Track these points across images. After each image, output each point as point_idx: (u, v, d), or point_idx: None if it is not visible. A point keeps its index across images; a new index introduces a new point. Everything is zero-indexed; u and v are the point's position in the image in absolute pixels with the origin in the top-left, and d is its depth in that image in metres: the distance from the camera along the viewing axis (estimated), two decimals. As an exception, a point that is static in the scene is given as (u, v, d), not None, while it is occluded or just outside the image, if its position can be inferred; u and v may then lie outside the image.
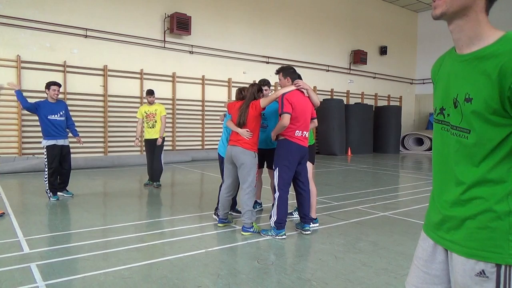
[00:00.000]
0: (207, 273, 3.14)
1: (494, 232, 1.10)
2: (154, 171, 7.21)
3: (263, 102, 4.21)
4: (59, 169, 6.02)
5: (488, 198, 1.12)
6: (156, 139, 7.16)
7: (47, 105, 5.92)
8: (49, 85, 6.00)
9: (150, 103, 7.26)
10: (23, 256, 3.47)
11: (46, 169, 5.88)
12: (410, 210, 5.62)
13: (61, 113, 5.99)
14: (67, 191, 6.24)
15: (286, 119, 4.03)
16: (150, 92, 7.27)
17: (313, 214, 4.62)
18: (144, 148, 7.46)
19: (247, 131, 4.19)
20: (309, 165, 4.59)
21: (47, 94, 5.98)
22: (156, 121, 7.17)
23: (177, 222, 4.78)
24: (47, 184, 5.87)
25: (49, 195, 5.89)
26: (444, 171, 1.24)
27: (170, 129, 12.24)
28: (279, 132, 4.14)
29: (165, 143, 11.99)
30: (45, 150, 5.88)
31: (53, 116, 5.89)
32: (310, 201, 4.46)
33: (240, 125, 4.23)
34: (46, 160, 5.87)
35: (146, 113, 7.19)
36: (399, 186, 8.40)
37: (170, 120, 12.21)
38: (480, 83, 1.10)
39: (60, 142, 5.95)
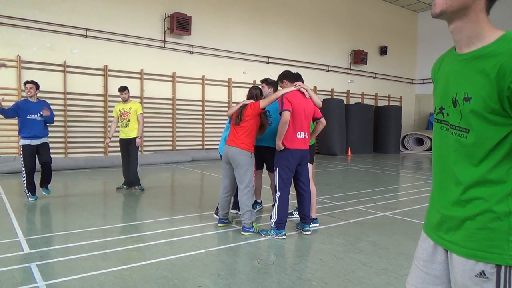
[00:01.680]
0: (207, 273, 3.14)
1: (494, 232, 1.10)
2: (131, 176, 6.77)
3: (262, 103, 4.22)
4: (43, 165, 5.95)
5: (488, 198, 1.11)
6: (130, 139, 6.64)
7: (27, 105, 5.75)
8: (24, 84, 5.88)
9: (124, 100, 6.71)
10: (23, 256, 3.47)
11: (23, 169, 5.81)
12: (410, 210, 5.62)
13: (40, 113, 5.78)
14: (47, 188, 6.08)
15: (286, 115, 4.01)
16: (122, 89, 6.70)
17: (313, 214, 4.62)
18: (119, 149, 6.96)
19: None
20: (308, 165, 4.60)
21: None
22: (129, 120, 6.61)
23: (177, 222, 4.78)
24: (25, 184, 5.81)
25: (28, 195, 5.83)
26: (444, 171, 1.24)
27: (170, 129, 12.25)
28: (283, 131, 4.06)
29: (164, 143, 12.10)
30: (21, 149, 5.79)
31: (32, 116, 5.73)
32: (311, 201, 4.47)
33: (237, 124, 4.26)
34: (22, 159, 5.78)
35: (120, 111, 6.69)
36: (399, 186, 8.40)
37: (170, 120, 12.22)
38: (478, 82, 1.10)
39: (36, 142, 5.80)
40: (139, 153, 6.89)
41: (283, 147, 4.11)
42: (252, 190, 4.26)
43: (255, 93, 4.45)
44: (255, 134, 4.31)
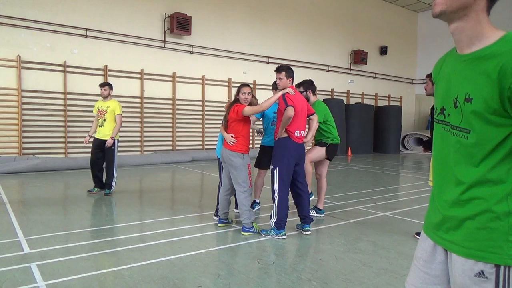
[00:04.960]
0: (207, 273, 3.15)
1: (493, 232, 1.10)
2: (106, 178, 6.43)
3: (248, 110, 4.15)
4: None
5: (488, 198, 1.11)
6: (104, 140, 6.28)
7: None
8: None
9: (103, 96, 6.36)
10: (23, 256, 3.47)
11: None
12: (410, 210, 5.62)
13: None
14: None
15: (290, 110, 4.02)
16: (103, 84, 6.39)
17: (321, 206, 4.99)
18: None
19: (232, 136, 4.22)
20: (326, 162, 5.01)
21: None
22: (105, 120, 6.27)
23: (177, 222, 4.79)
24: None
25: None
26: (444, 171, 1.24)
27: (170, 129, 12.25)
28: (286, 126, 4.11)
29: (164, 143, 12.09)
30: None
31: None
32: (320, 194, 4.92)
33: (225, 128, 4.32)
34: None
35: (98, 109, 6.36)
36: (400, 186, 8.40)
37: (170, 120, 12.22)
38: (480, 83, 1.10)
39: None
40: (116, 155, 6.45)
41: (285, 135, 4.15)
42: (249, 190, 4.26)
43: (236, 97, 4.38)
44: (246, 135, 4.29)
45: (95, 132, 6.52)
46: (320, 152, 4.95)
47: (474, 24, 1.13)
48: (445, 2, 1.13)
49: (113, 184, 6.42)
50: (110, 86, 6.43)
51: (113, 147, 6.32)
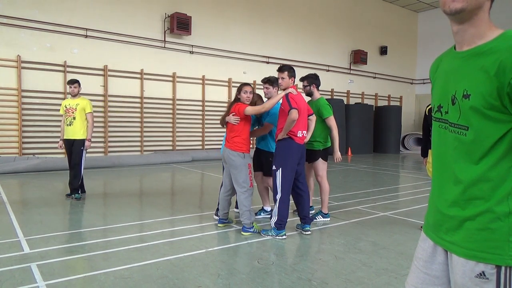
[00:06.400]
0: (207, 273, 3.14)
1: (494, 233, 1.10)
2: (74, 181, 5.92)
3: (250, 110, 4.14)
4: None
5: (488, 198, 1.11)
6: (74, 140, 5.91)
7: None
8: None
9: (72, 94, 5.98)
10: (23, 256, 3.47)
11: None
12: (410, 210, 5.62)
13: None
14: None
15: (295, 113, 4.01)
16: (72, 82, 5.99)
17: (325, 210, 4.89)
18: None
19: (233, 114, 4.19)
20: (323, 163, 4.85)
21: None
22: (74, 118, 5.87)
23: (177, 222, 4.78)
24: None
25: None
26: (443, 170, 1.24)
27: (170, 129, 12.25)
28: (289, 129, 4.08)
29: (164, 143, 12.09)
30: None
31: None
32: (323, 198, 4.81)
33: (223, 125, 4.34)
34: None
35: (66, 107, 5.95)
36: (399, 186, 8.40)
37: (170, 120, 12.22)
38: (478, 79, 1.10)
39: None
40: (84, 156, 6.03)
41: (286, 136, 4.12)
42: (250, 190, 4.24)
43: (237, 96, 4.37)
44: (246, 134, 4.27)
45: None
46: (322, 163, 4.84)
47: (479, 23, 1.13)
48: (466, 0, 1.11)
49: (83, 185, 6.14)
50: (79, 83, 6.07)
51: (82, 147, 5.95)
